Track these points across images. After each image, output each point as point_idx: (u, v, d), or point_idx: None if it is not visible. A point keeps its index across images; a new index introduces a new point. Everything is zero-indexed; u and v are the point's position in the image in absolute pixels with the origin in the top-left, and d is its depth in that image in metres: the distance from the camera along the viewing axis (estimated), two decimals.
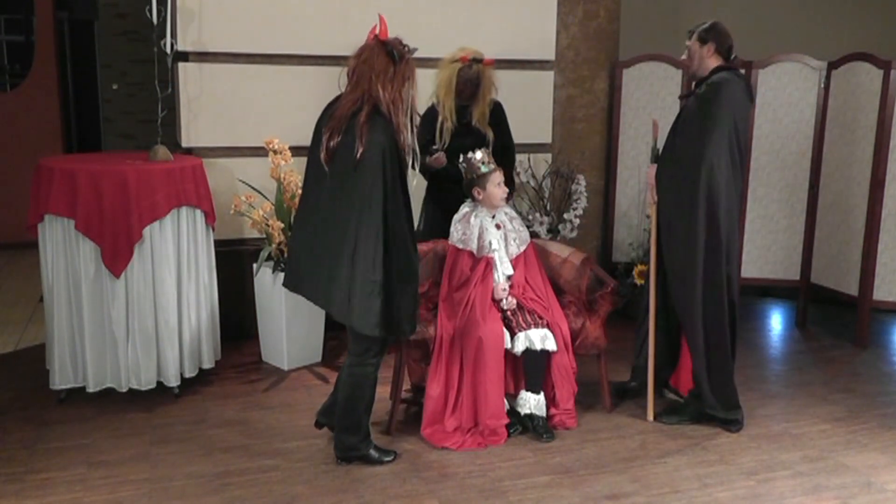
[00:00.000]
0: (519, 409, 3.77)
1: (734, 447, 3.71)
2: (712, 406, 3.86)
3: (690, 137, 3.73)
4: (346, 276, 3.12)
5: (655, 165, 3.86)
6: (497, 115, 4.50)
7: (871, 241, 4.97)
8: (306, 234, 3.29)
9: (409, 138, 3.19)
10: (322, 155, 3.17)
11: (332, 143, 3.15)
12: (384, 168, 3.09)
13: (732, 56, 3.82)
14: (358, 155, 3.07)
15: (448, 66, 4.35)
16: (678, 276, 3.83)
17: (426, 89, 4.61)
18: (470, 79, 4.31)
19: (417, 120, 3.29)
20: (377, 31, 3.21)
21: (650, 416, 3.96)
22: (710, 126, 3.66)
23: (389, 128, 3.12)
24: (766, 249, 5.47)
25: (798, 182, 5.35)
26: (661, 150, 3.90)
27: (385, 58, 3.14)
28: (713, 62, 3.79)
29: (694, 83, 3.92)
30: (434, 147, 4.35)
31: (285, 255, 4.27)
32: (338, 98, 3.27)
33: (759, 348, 5.13)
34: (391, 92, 3.13)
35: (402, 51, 3.18)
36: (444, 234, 4.02)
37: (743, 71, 4.14)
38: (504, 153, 4.49)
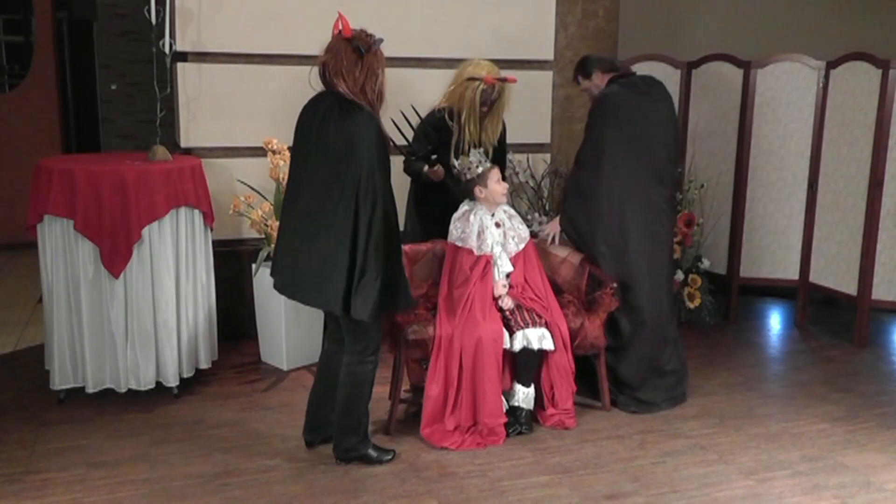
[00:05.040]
0: (506, 400, 3.77)
1: (733, 447, 3.71)
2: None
3: (578, 149, 4.16)
4: (345, 269, 3.15)
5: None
6: (503, 133, 4.39)
7: (870, 240, 4.97)
8: (293, 235, 3.31)
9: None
10: (309, 151, 3.24)
11: (319, 141, 3.20)
12: (378, 158, 3.14)
13: (614, 66, 4.17)
14: (348, 149, 3.12)
15: (467, 83, 4.12)
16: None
17: (429, 89, 4.61)
18: (492, 100, 4.19)
19: (384, 108, 3.33)
20: (340, 28, 3.23)
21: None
22: (586, 136, 4.09)
23: (373, 119, 3.17)
24: (764, 249, 5.47)
25: (797, 181, 5.35)
26: None
27: (352, 53, 3.18)
28: (605, 82, 4.11)
29: None
30: (433, 158, 4.19)
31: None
32: (316, 98, 3.32)
33: (757, 348, 5.14)
34: (362, 87, 3.18)
35: (367, 42, 3.21)
36: (425, 239, 4.08)
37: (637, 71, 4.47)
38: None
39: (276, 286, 3.43)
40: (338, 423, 3.43)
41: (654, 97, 4.14)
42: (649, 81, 4.22)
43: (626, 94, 4.06)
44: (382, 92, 3.26)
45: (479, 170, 3.83)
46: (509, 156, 4.97)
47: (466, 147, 4.20)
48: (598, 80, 4.09)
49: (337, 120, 3.17)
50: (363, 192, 3.12)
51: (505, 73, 4.21)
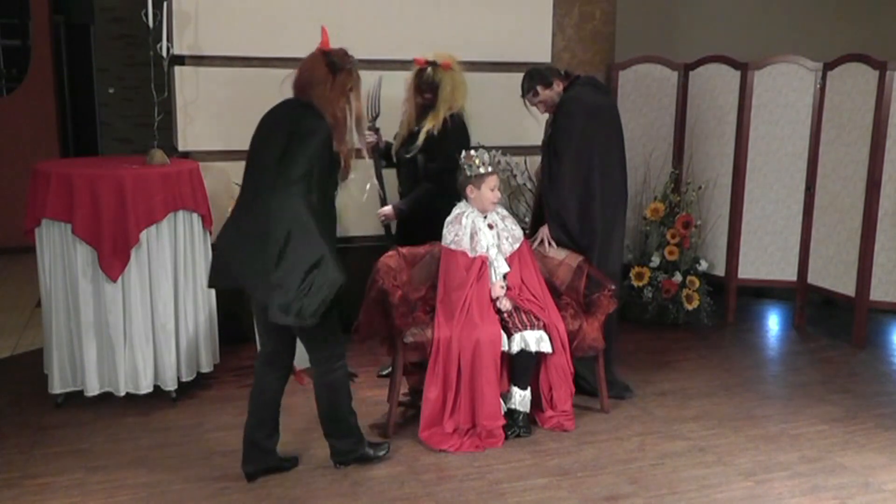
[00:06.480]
0: (503, 403, 3.77)
1: (732, 448, 3.71)
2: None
3: (552, 151, 4.15)
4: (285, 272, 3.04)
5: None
6: (443, 131, 4.08)
7: (868, 241, 4.98)
8: (240, 232, 3.23)
9: (348, 148, 3.21)
10: (258, 148, 3.24)
11: (270, 138, 3.19)
12: (320, 161, 3.09)
13: (563, 73, 4.27)
14: (291, 148, 3.10)
15: None
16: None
17: None
18: (426, 83, 4.11)
19: (364, 130, 3.32)
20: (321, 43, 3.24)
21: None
22: (567, 138, 4.08)
23: (325, 124, 3.13)
24: (762, 250, 5.47)
25: (794, 183, 5.36)
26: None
27: (325, 68, 3.19)
28: (562, 88, 4.19)
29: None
30: (376, 126, 4.24)
31: None
32: (281, 102, 3.29)
33: (756, 349, 5.14)
34: (330, 102, 3.16)
35: (342, 62, 3.21)
36: (407, 240, 4.08)
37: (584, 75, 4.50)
38: (425, 177, 4.13)
39: (212, 280, 3.28)
40: (329, 433, 3.42)
41: (605, 92, 4.47)
42: (597, 79, 4.53)
43: (590, 94, 4.21)
44: (346, 117, 3.20)
45: (480, 171, 3.82)
46: (505, 157, 4.97)
47: (404, 131, 4.20)
48: (558, 89, 4.18)
49: (290, 119, 3.17)
50: (302, 191, 3.07)
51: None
